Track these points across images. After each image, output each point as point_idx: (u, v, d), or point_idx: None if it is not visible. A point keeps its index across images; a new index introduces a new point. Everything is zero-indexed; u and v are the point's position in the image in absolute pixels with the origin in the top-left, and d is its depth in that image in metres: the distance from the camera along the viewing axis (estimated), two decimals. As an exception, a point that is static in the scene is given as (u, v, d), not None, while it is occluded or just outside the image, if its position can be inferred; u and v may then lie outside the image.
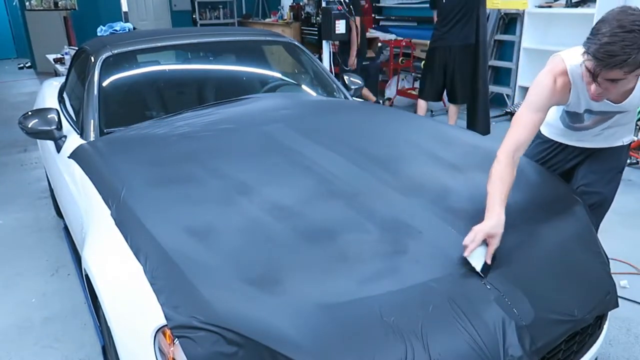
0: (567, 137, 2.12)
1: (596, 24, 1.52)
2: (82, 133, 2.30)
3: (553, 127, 2.15)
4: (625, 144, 2.08)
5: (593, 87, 1.57)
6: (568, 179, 2.17)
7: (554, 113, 2.06)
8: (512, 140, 1.72)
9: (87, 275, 1.59)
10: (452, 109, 5.09)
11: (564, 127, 2.09)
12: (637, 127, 4.16)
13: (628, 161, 4.20)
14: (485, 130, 4.88)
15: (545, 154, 2.21)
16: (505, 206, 1.55)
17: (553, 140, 2.18)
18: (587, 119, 1.93)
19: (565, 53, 1.78)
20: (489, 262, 1.44)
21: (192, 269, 1.33)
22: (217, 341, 1.17)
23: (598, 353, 1.67)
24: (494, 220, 1.50)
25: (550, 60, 1.81)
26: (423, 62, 5.25)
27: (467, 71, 4.74)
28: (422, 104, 5.12)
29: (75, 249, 2.41)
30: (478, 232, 1.46)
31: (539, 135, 2.18)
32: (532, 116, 1.74)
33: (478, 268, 1.41)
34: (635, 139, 4.45)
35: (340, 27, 4.86)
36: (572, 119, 1.99)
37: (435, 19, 4.85)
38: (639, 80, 1.65)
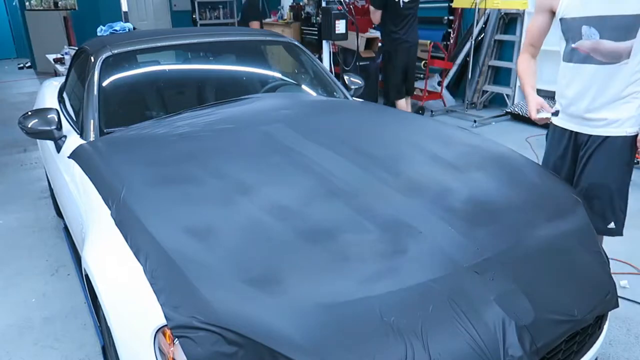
0: (573, 113, 2.12)
1: None
2: (82, 133, 2.30)
3: (559, 96, 2.19)
4: (629, 135, 2.04)
5: None
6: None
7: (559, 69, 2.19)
8: (526, 39, 2.25)
9: (87, 275, 1.59)
10: (407, 101, 5.62)
11: (567, 79, 2.11)
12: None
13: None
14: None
15: (558, 156, 2.24)
16: (535, 88, 2.14)
17: (562, 130, 2.20)
18: (585, 34, 1.98)
19: None
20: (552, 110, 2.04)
21: (192, 269, 1.33)
22: (217, 341, 1.17)
23: (598, 353, 1.67)
24: (534, 97, 2.09)
25: None
26: (386, 61, 5.46)
27: (415, 65, 5.56)
28: (402, 103, 5.49)
29: (75, 249, 2.42)
30: (538, 101, 2.07)
31: (552, 131, 2.28)
32: (537, 17, 2.17)
33: (547, 115, 2.05)
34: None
35: (340, 27, 4.86)
36: (571, 35, 2.03)
37: (379, 18, 5.23)
38: None
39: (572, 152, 2.19)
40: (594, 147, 2.09)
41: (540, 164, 2.28)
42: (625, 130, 2.04)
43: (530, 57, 2.23)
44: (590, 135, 2.10)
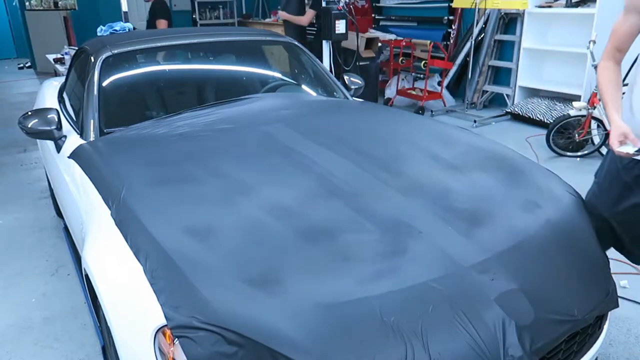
0: None
1: None
2: (82, 133, 2.30)
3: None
4: None
5: None
6: None
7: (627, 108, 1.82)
8: (610, 42, 1.82)
9: (87, 275, 1.59)
10: None
11: None
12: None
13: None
14: None
15: (624, 186, 1.85)
16: (620, 109, 1.73)
17: (628, 165, 1.82)
18: None
19: None
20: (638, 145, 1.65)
21: (192, 269, 1.33)
22: (217, 341, 1.17)
23: (598, 353, 1.67)
24: (618, 126, 1.67)
25: None
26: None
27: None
28: None
29: (75, 249, 2.42)
30: (625, 132, 1.64)
31: (614, 170, 1.88)
32: (626, 17, 1.78)
33: (633, 150, 1.64)
34: (596, 132, 4.46)
35: (340, 27, 4.86)
36: None
37: (313, 18, 5.42)
38: None
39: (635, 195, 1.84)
40: None
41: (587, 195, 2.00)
42: None
43: (615, 65, 1.82)
44: None
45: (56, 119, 2.34)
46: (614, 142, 1.66)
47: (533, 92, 6.13)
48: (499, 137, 5.13)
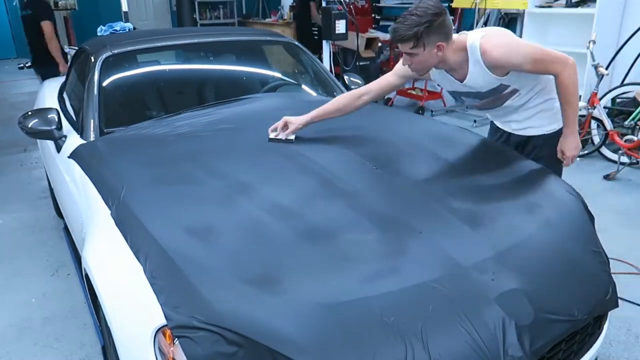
0: (492, 118, 2.33)
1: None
2: (82, 133, 2.30)
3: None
4: (546, 132, 2.16)
5: (402, 59, 1.94)
6: None
7: None
8: (366, 87, 2.22)
9: (87, 275, 1.59)
10: None
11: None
12: (637, 127, 4.16)
13: (628, 161, 4.21)
14: None
15: (494, 138, 2.36)
16: (313, 119, 2.15)
17: (495, 126, 2.35)
18: (466, 99, 2.16)
19: None
20: (283, 138, 2.10)
21: (192, 269, 1.33)
22: (217, 341, 1.17)
23: (598, 353, 1.67)
24: (300, 118, 2.15)
25: None
26: None
27: None
28: None
29: (75, 249, 2.41)
30: (283, 118, 2.12)
31: (491, 124, 2.40)
32: (390, 77, 2.18)
33: (270, 136, 2.09)
34: (596, 133, 4.48)
35: (340, 27, 4.85)
36: (455, 99, 2.21)
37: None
38: (470, 68, 1.92)
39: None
40: (521, 143, 2.29)
41: None
42: (543, 129, 2.17)
43: (354, 101, 2.23)
44: None
45: (56, 119, 2.34)
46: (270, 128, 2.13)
47: (533, 92, 6.11)
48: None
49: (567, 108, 2.00)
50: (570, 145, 2.06)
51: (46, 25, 4.65)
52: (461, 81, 2.00)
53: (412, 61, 1.91)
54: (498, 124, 2.32)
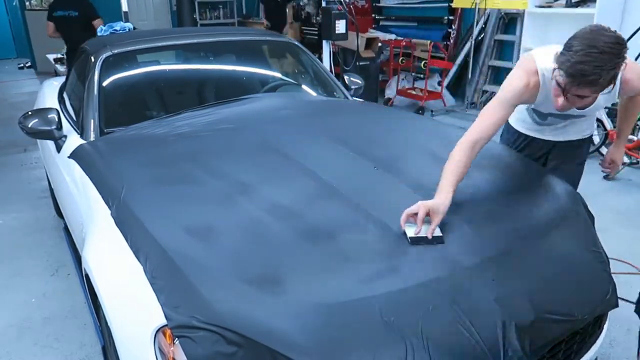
0: (532, 130, 2.23)
1: (569, 40, 1.58)
2: (82, 133, 2.30)
3: (520, 121, 2.26)
4: (586, 136, 2.19)
5: (560, 100, 1.65)
6: None
7: (523, 107, 2.16)
8: (477, 130, 1.78)
9: (87, 275, 1.59)
10: None
11: (531, 121, 2.19)
12: (637, 127, 4.16)
13: (628, 161, 4.21)
14: None
15: (515, 146, 2.30)
16: (454, 191, 1.62)
17: (519, 132, 2.28)
18: (552, 119, 2.07)
19: (537, 52, 1.85)
20: (429, 237, 1.49)
21: (192, 269, 1.33)
22: (217, 341, 1.17)
23: (598, 353, 1.67)
24: (441, 199, 1.59)
25: (522, 58, 1.88)
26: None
27: None
28: None
29: (75, 249, 2.41)
30: (421, 206, 1.54)
31: (508, 128, 2.31)
32: (501, 111, 1.81)
33: (409, 234, 1.49)
34: (596, 132, 4.48)
35: (340, 27, 4.85)
36: (539, 116, 2.11)
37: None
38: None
39: (526, 149, 2.33)
40: (550, 147, 2.26)
41: None
42: (582, 134, 2.18)
43: (471, 155, 1.75)
44: None
45: (56, 119, 2.34)
46: (408, 210, 1.54)
47: (533, 92, 6.11)
48: (498, 137, 5.11)
49: (631, 123, 2.11)
50: (621, 155, 2.21)
51: (98, 23, 4.95)
52: (579, 109, 1.85)
53: (578, 102, 1.66)
54: (545, 136, 2.19)
